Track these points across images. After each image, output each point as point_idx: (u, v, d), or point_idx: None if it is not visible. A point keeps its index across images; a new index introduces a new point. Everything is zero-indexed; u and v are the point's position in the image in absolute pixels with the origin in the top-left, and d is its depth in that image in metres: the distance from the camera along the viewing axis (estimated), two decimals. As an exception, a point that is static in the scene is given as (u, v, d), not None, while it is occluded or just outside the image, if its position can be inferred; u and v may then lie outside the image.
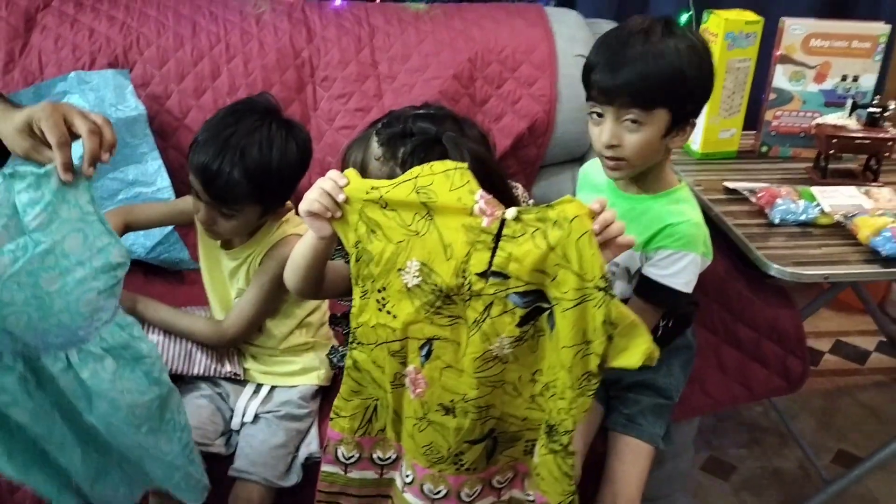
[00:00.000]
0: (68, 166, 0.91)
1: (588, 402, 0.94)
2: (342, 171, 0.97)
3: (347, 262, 1.13)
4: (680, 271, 1.16)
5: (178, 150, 1.69)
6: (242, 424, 1.30)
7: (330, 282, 1.09)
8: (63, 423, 1.04)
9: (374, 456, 1.10)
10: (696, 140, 1.71)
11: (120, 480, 1.13)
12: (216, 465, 1.22)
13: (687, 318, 1.34)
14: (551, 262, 0.89)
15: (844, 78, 1.69)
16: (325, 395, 1.39)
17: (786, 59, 1.68)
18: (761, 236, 1.40)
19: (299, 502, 1.28)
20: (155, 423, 1.06)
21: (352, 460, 1.09)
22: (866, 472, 1.72)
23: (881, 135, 1.60)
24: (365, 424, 1.07)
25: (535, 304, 0.93)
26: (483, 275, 0.92)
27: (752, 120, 1.75)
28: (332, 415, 1.08)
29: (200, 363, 1.32)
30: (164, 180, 1.62)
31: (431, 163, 0.91)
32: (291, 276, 1.06)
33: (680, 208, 1.19)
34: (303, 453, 1.29)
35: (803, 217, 1.43)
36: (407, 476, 1.08)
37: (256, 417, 1.30)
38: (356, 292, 0.98)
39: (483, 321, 0.94)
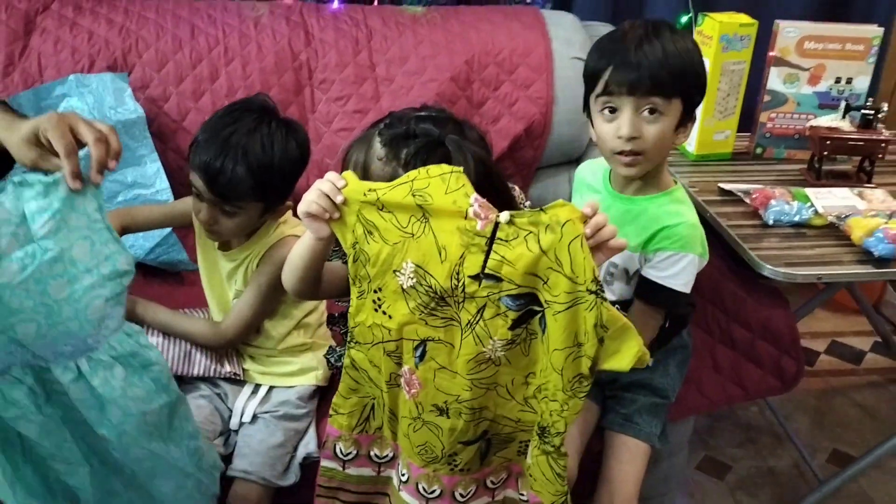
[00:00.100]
0: (77, 174, 0.92)
1: (580, 405, 0.95)
2: (342, 171, 0.98)
3: (345, 262, 1.14)
4: (679, 272, 1.17)
5: (176, 152, 1.70)
6: (241, 424, 1.31)
7: (327, 282, 1.10)
8: (72, 440, 1.04)
9: (372, 453, 1.11)
10: (692, 142, 1.73)
11: None
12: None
13: (684, 319, 1.35)
14: (543, 265, 0.90)
15: (838, 80, 1.70)
16: (322, 395, 1.40)
17: (780, 62, 1.69)
18: (755, 237, 1.41)
19: (297, 502, 1.29)
20: (164, 430, 1.07)
21: (350, 457, 1.10)
22: (860, 471, 1.74)
23: (874, 136, 1.61)
24: (363, 422, 1.09)
25: (528, 308, 0.94)
26: (476, 277, 0.93)
27: (747, 122, 1.76)
28: (330, 412, 1.09)
29: (200, 364, 1.32)
30: (162, 182, 1.62)
31: (428, 166, 0.92)
32: (289, 277, 1.07)
33: (677, 209, 1.20)
34: (301, 453, 1.30)
35: (797, 218, 1.44)
36: (403, 475, 1.09)
37: (255, 417, 1.31)
38: (354, 292, 0.99)
39: (476, 323, 0.95)
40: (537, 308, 0.93)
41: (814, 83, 1.71)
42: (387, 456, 1.11)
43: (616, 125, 1.14)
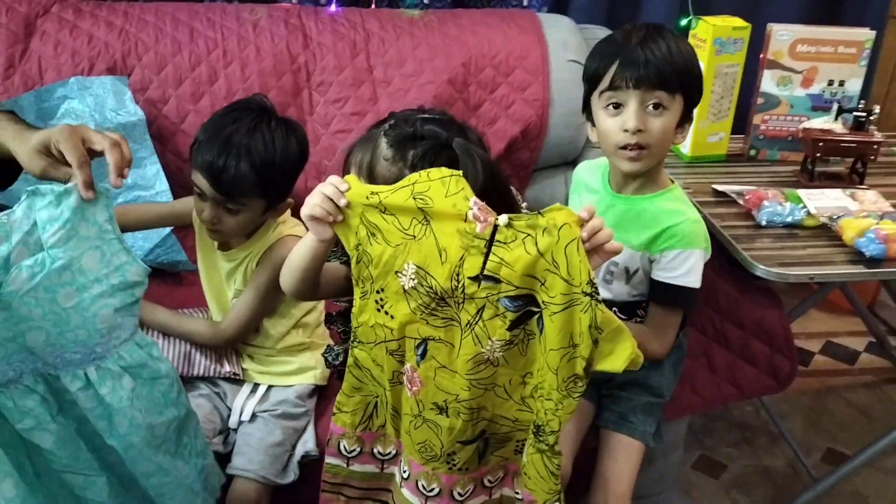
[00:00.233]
0: (89, 184, 0.93)
1: (574, 405, 0.96)
2: (343, 172, 0.99)
3: (342, 263, 1.15)
4: (690, 270, 1.19)
5: (175, 154, 1.71)
6: (240, 423, 1.32)
7: (325, 283, 1.11)
8: (88, 450, 1.04)
9: (375, 451, 1.12)
10: (686, 144, 1.74)
11: None
12: (214, 463, 1.24)
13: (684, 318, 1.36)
14: (541, 267, 0.92)
15: (831, 83, 1.72)
16: (321, 394, 1.41)
17: (773, 65, 1.71)
18: (748, 238, 1.43)
19: (296, 500, 1.30)
20: (172, 445, 1.07)
21: (353, 454, 1.12)
22: (854, 469, 1.75)
23: (867, 138, 1.62)
24: (366, 420, 1.10)
25: (526, 308, 0.95)
26: (476, 279, 0.94)
27: (741, 124, 1.78)
28: (334, 410, 1.10)
29: (200, 364, 1.34)
30: (162, 184, 1.63)
31: (428, 170, 0.94)
32: (289, 278, 1.08)
33: (677, 207, 1.22)
34: (299, 451, 1.31)
35: (789, 219, 1.45)
36: (404, 471, 1.10)
37: (254, 416, 1.32)
38: (357, 293, 1.01)
39: (475, 324, 0.96)
40: (535, 309, 0.95)
41: (807, 86, 1.72)
42: (390, 453, 1.12)
43: (621, 119, 1.16)
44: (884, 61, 2.27)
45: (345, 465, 1.13)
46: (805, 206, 1.49)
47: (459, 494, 1.08)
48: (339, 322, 1.28)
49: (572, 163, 1.91)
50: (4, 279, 0.91)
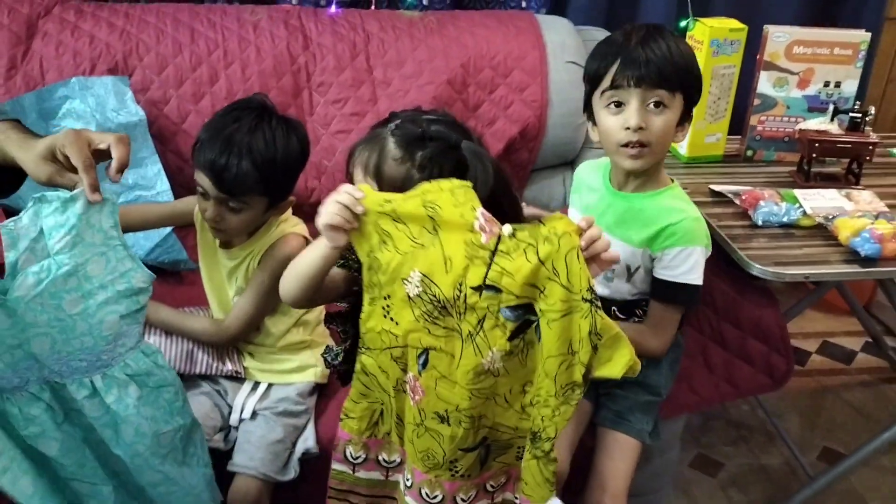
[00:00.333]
0: (95, 187, 0.94)
1: (571, 412, 0.98)
2: (347, 172, 1.00)
3: (339, 267, 1.15)
4: (692, 267, 1.21)
5: (176, 154, 1.72)
6: (241, 420, 1.33)
7: (324, 288, 1.11)
8: (94, 459, 1.04)
9: (380, 458, 1.13)
10: (683, 144, 1.75)
11: None
12: (215, 461, 1.24)
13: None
14: (542, 275, 0.93)
15: (827, 84, 1.73)
16: (321, 391, 1.42)
17: (770, 66, 1.72)
18: (744, 237, 1.44)
19: (296, 497, 1.31)
20: (179, 454, 1.08)
21: (359, 460, 1.12)
22: (850, 468, 1.76)
23: (862, 139, 1.63)
24: (372, 426, 1.10)
25: (525, 318, 0.96)
26: (478, 289, 0.95)
27: (738, 125, 1.79)
28: (341, 416, 1.11)
29: (202, 362, 1.34)
30: (163, 184, 1.64)
31: (440, 180, 0.95)
32: (294, 283, 1.06)
33: (677, 205, 1.23)
34: (300, 448, 1.32)
35: (785, 219, 1.46)
36: (408, 479, 1.11)
37: (254, 414, 1.33)
38: (366, 299, 1.01)
39: (476, 334, 0.97)
40: (532, 318, 0.96)
41: (803, 87, 1.73)
42: (395, 461, 1.13)
43: (623, 118, 1.18)
44: (879, 63, 2.28)
45: (350, 472, 1.13)
46: (801, 207, 1.50)
47: (462, 500, 1.09)
48: (339, 322, 1.29)
49: (570, 163, 1.92)
50: (11, 285, 0.92)
